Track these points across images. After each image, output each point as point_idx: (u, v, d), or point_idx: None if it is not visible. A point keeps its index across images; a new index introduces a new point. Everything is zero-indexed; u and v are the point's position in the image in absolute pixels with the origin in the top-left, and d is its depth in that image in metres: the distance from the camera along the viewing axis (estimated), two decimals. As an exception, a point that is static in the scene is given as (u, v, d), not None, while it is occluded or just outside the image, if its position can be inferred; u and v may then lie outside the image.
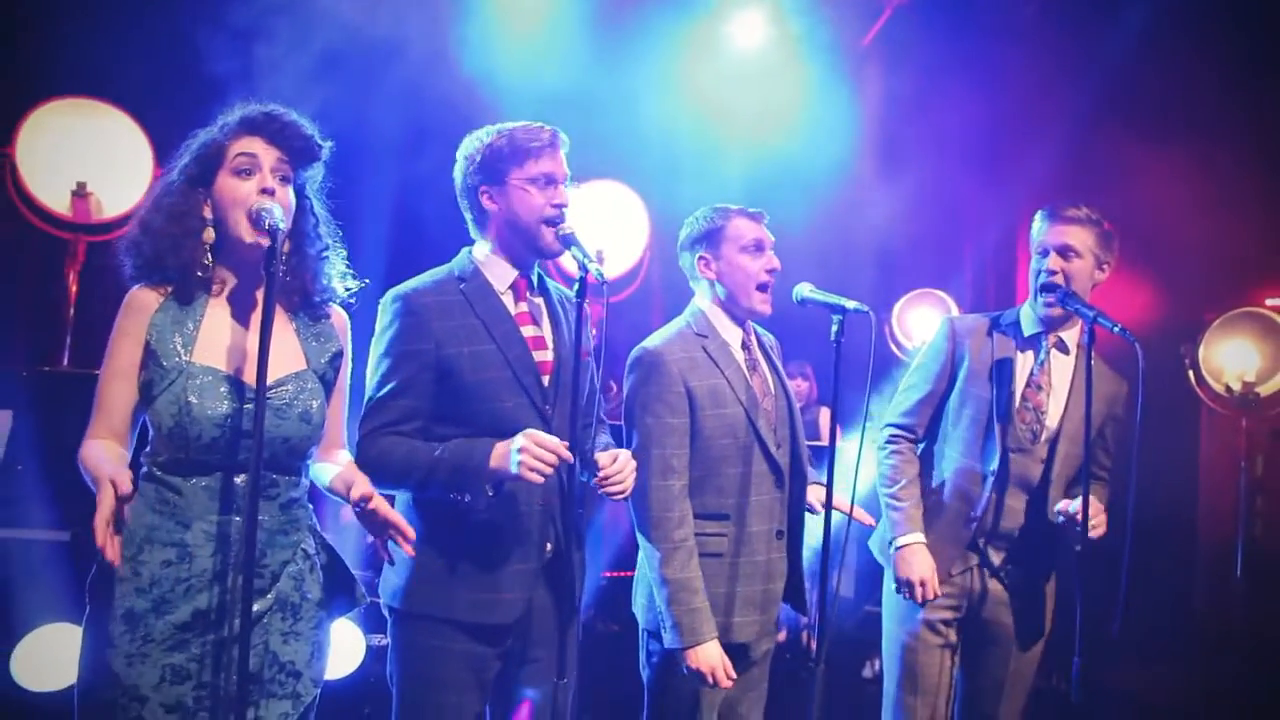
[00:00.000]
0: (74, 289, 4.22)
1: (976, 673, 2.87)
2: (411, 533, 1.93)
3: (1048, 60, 4.92)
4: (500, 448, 2.08)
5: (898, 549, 2.79)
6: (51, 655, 3.22)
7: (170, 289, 1.92)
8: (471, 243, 2.35)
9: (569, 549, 2.21)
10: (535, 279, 2.35)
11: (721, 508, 2.52)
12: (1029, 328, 2.86)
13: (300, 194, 2.01)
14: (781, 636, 4.34)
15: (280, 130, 1.93)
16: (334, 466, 2.04)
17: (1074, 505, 2.64)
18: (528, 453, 2.01)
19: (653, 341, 2.58)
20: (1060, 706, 2.59)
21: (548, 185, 2.23)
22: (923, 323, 5.30)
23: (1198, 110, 4.52)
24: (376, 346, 2.23)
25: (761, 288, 2.59)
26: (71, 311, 4.20)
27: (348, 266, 2.14)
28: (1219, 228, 4.37)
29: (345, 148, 4.31)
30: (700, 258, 2.65)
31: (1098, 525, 2.65)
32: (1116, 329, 2.59)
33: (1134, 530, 2.52)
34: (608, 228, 5.24)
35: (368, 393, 2.22)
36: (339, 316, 2.12)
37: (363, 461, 2.13)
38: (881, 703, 2.91)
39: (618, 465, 2.19)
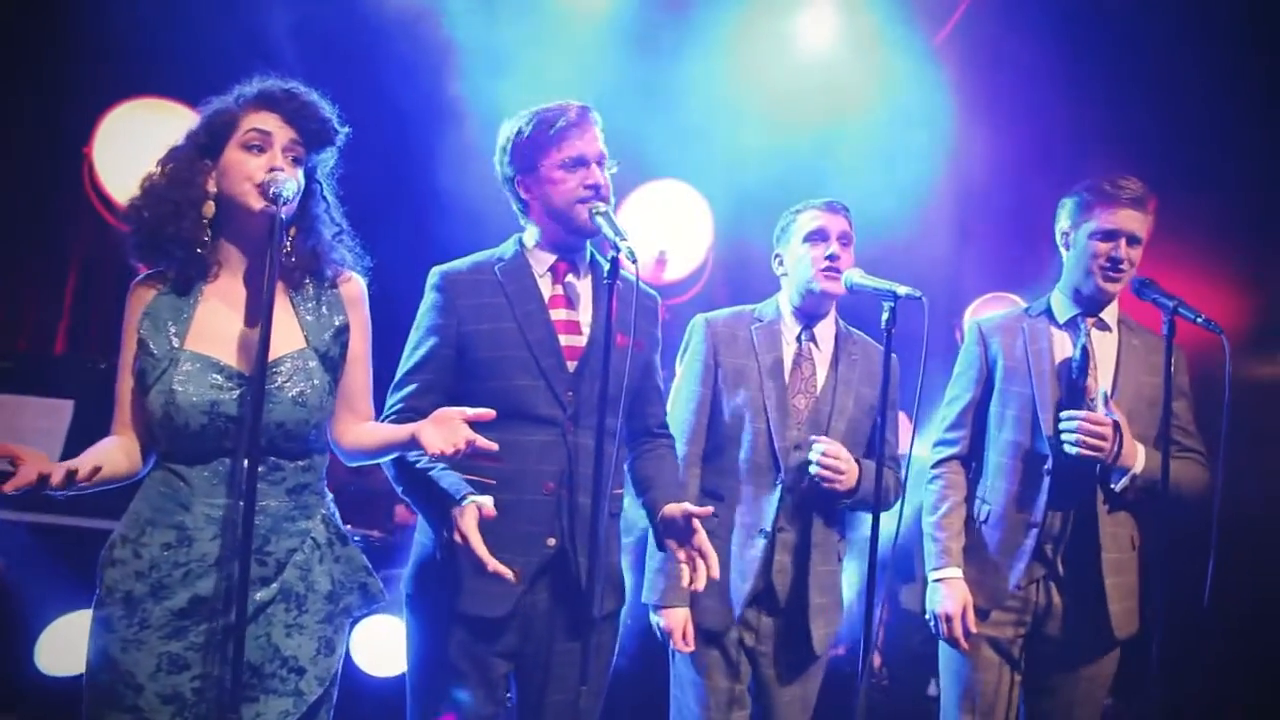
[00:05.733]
0: (145, 285, 4.32)
1: (1046, 692, 2.67)
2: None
3: (1128, 54, 4.69)
4: (464, 509, 1.97)
5: (933, 582, 2.66)
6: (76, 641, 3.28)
7: (169, 278, 1.89)
8: (523, 229, 2.34)
9: (578, 546, 2.12)
10: (586, 263, 2.29)
11: (719, 488, 2.57)
12: (1063, 313, 2.71)
13: (310, 178, 1.95)
14: (841, 651, 4.21)
15: (298, 109, 1.89)
16: (372, 433, 1.99)
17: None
18: (457, 530, 1.93)
19: (711, 312, 2.71)
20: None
21: (578, 167, 2.18)
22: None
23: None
24: (416, 321, 2.25)
25: (823, 271, 2.56)
26: (142, 306, 4.29)
27: (360, 256, 2.07)
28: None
29: (409, 140, 4.31)
30: (775, 255, 2.72)
31: (1079, 435, 2.49)
32: (1199, 319, 2.43)
33: (1218, 547, 2.34)
34: (671, 228, 5.17)
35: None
36: (351, 286, 2.03)
37: None
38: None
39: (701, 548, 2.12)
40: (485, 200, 4.19)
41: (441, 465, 2.05)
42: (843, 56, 5.02)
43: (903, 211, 4.79)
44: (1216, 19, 4.17)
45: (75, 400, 3.56)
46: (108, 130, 4.39)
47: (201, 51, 4.24)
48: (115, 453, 1.85)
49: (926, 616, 2.68)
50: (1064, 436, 2.53)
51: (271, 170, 1.83)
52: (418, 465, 2.06)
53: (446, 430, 1.83)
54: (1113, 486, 2.56)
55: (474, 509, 1.93)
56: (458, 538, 1.93)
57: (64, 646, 3.25)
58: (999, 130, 4.87)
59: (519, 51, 4.50)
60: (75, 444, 3.63)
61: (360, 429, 2.01)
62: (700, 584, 2.09)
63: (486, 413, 1.86)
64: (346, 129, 1.98)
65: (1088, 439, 2.49)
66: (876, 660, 4.56)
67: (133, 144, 4.37)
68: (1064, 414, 2.55)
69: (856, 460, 2.53)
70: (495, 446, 1.87)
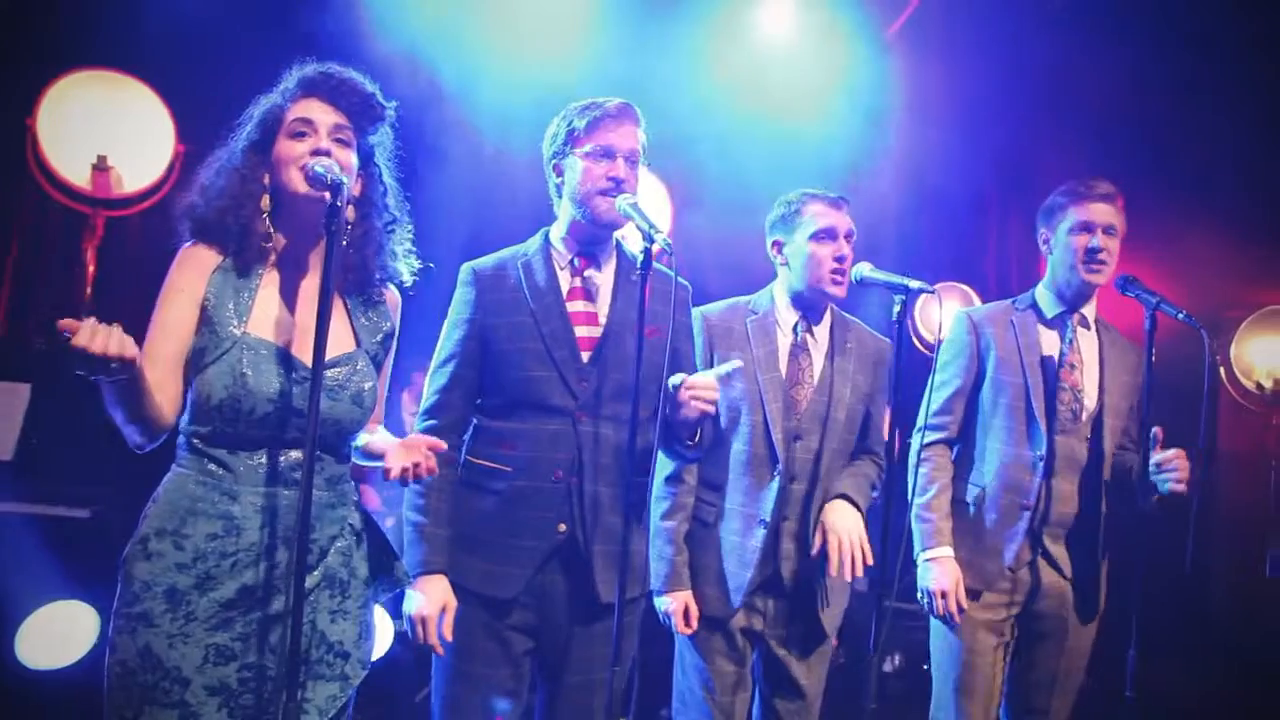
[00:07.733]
0: (91, 263, 4.18)
1: (1030, 667, 2.79)
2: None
3: (1075, 51, 4.85)
4: (430, 590, 2.14)
5: (924, 561, 2.74)
6: (58, 633, 3.19)
7: (229, 253, 1.85)
8: (552, 220, 2.38)
9: (589, 533, 2.19)
10: (611, 255, 2.33)
11: (717, 479, 2.62)
12: (1050, 309, 2.84)
13: (368, 160, 1.94)
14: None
15: (336, 88, 1.87)
16: (372, 438, 2.01)
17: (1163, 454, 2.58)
18: (413, 623, 2.13)
19: (708, 307, 2.69)
20: (1109, 705, 2.53)
21: (604, 158, 2.23)
22: (945, 316, 5.19)
23: (1227, 99, 4.45)
24: (448, 315, 2.32)
25: (832, 274, 2.58)
26: (89, 285, 4.16)
27: (413, 245, 2.07)
28: (1246, 222, 4.34)
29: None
30: (774, 242, 2.70)
31: (1180, 473, 2.55)
32: (1180, 315, 2.57)
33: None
34: (630, 212, 5.17)
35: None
36: (392, 295, 2.07)
37: None
38: (912, 698, 2.87)
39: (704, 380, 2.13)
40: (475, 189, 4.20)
41: (431, 524, 2.17)
42: (799, 47, 5.08)
43: (855, 200, 4.88)
44: (1167, 12, 4.33)
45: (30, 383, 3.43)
46: (52, 101, 4.20)
47: (150, 23, 4.10)
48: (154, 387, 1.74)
49: (919, 595, 2.76)
50: (1168, 480, 2.56)
51: (315, 153, 1.81)
52: (415, 514, 2.20)
53: (407, 454, 1.86)
54: (1153, 499, 2.63)
55: (436, 617, 2.12)
56: (419, 617, 2.12)
57: (44, 638, 3.15)
58: (950, 120, 5.00)
59: (485, 41, 4.47)
60: (33, 429, 3.51)
61: (367, 433, 2.03)
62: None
63: (439, 443, 1.89)
64: (394, 103, 1.97)
65: (1186, 476, 2.55)
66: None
67: (78, 116, 4.20)
68: (1157, 456, 2.57)
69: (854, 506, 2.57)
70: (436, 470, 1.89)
